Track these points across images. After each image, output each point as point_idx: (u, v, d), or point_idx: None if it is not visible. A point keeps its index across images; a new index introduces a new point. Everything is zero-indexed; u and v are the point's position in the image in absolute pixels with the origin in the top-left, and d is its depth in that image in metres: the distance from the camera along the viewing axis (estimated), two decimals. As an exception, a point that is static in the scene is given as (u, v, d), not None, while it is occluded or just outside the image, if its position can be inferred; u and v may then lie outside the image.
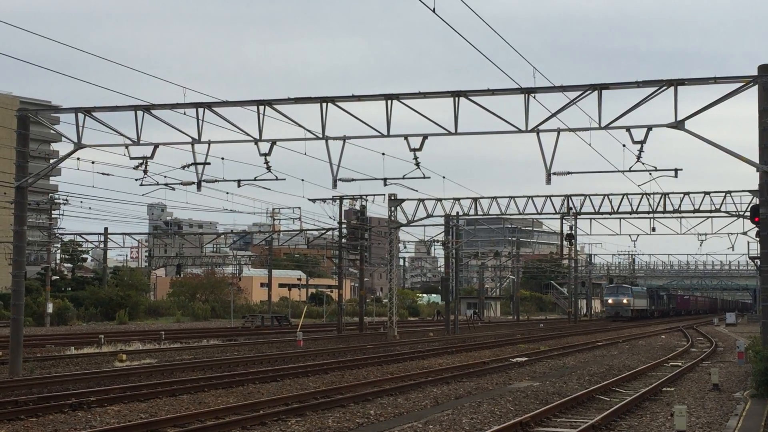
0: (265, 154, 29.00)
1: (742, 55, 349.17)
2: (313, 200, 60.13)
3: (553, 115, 26.61)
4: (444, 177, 47.32)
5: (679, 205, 52.24)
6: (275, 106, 27.94)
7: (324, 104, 27.43)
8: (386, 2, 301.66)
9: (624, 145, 30.03)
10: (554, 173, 27.90)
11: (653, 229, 60.71)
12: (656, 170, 33.86)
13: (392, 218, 55.12)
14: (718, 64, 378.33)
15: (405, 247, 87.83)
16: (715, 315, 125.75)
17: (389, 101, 27.06)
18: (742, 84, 24.61)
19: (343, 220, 62.05)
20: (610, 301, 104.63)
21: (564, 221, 64.24)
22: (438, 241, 68.09)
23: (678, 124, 25.25)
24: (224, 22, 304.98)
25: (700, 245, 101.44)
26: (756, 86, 24.32)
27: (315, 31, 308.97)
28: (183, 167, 31.44)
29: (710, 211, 52.93)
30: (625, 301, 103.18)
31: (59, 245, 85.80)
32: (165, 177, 32.39)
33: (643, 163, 28.12)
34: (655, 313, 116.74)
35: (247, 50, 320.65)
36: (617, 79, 26.42)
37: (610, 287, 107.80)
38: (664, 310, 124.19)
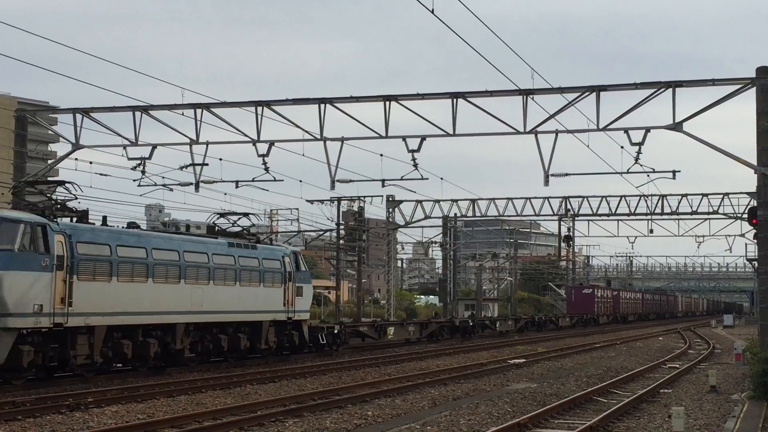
0: (263, 155, 29.01)
1: (734, 58, 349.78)
2: (311, 201, 59.96)
3: (552, 116, 26.63)
4: (442, 178, 47.26)
5: (677, 207, 52.41)
6: (273, 107, 27.95)
7: (322, 105, 27.44)
8: (381, 4, 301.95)
9: (622, 147, 30.12)
10: (552, 175, 27.99)
11: (651, 231, 60.84)
12: (654, 172, 33.97)
13: (390, 219, 55.13)
14: (711, 67, 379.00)
15: (403, 249, 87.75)
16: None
17: (387, 102, 27.07)
18: (740, 86, 24.66)
19: (341, 222, 62.02)
20: None
21: (562, 223, 64.36)
22: (436, 243, 68.19)
23: (676, 126, 25.28)
24: (218, 23, 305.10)
25: (698, 247, 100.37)
26: (754, 88, 24.36)
27: (309, 32, 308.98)
28: (181, 168, 31.46)
29: (708, 213, 53.10)
30: None
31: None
32: (163, 178, 32.36)
33: (641, 165, 28.19)
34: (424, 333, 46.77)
35: (242, 52, 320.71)
36: (611, 82, 26.49)
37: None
38: (485, 322, 57.33)
